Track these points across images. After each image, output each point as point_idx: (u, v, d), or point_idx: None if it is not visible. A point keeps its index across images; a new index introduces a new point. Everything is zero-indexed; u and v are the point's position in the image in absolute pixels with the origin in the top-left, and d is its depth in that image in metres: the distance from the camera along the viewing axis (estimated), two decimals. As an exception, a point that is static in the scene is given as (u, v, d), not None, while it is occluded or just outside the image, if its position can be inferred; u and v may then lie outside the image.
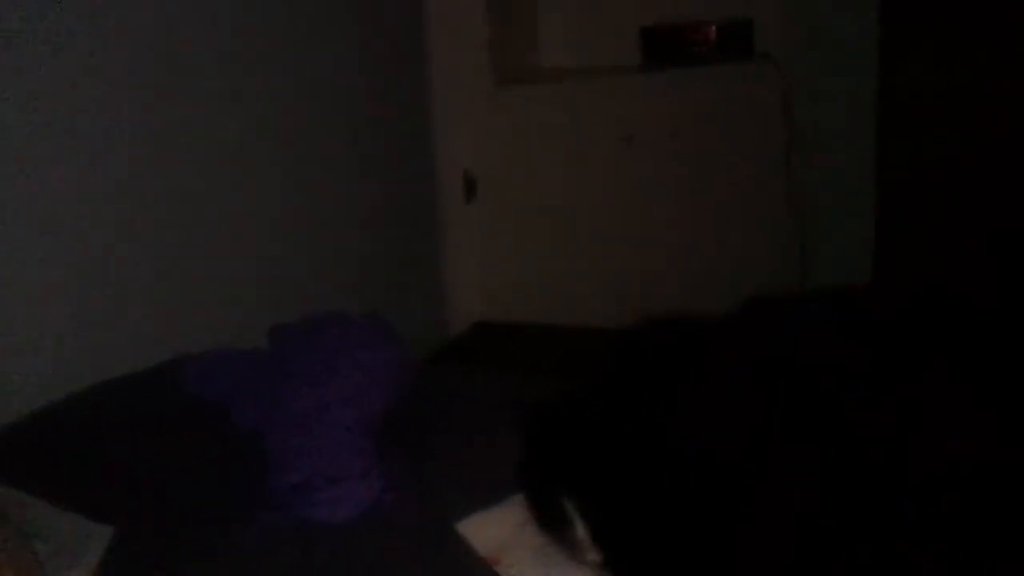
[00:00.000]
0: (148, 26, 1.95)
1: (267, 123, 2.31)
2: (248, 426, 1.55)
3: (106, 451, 1.52)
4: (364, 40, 2.71)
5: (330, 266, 2.56)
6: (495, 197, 3.08)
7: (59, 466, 1.47)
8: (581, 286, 3.05)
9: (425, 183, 3.05)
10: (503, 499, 1.35)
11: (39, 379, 1.69)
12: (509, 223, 3.09)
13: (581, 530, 1.15)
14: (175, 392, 1.68)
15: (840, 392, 1.02)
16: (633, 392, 1.17)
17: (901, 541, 0.94)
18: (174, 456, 1.51)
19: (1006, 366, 1.06)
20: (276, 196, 2.35)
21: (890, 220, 2.99)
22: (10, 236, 1.68)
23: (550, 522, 1.20)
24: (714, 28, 3.17)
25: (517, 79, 3.14)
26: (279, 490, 1.40)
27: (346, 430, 1.48)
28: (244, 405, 1.59)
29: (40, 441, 1.53)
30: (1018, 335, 1.13)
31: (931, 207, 2.93)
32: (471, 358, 2.85)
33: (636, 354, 1.25)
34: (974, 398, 1.01)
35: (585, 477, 1.15)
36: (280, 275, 2.35)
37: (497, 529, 1.31)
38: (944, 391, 1.01)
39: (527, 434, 1.27)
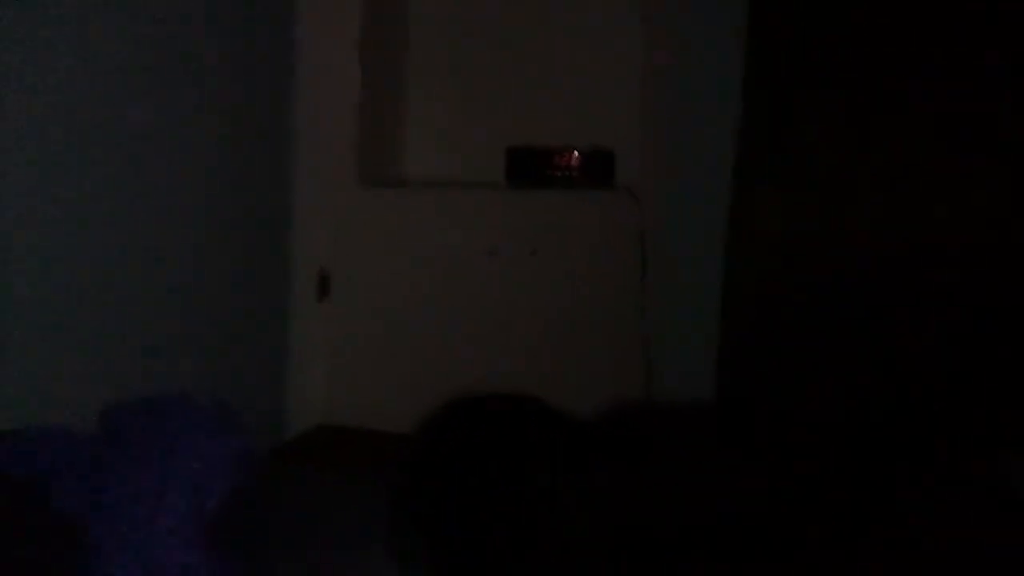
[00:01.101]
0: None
1: (113, 199, 2.22)
2: (67, 512, 1.42)
3: None
4: (226, 129, 2.66)
5: (166, 351, 2.44)
6: (349, 297, 3.03)
7: None
8: (429, 395, 2.99)
9: (278, 276, 2.98)
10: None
11: None
12: (361, 324, 3.04)
13: None
14: (-13, 469, 1.54)
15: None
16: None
17: None
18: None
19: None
20: (116, 271, 2.24)
21: (733, 347, 3.10)
22: None
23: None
24: (577, 155, 3.27)
25: (381, 182, 3.14)
26: (96, 583, 1.29)
27: (176, 520, 1.38)
28: (64, 488, 1.46)
29: None
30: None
31: (774, 335, 3.06)
32: (308, 460, 2.75)
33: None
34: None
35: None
36: (111, 357, 2.22)
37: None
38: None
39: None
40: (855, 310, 3.01)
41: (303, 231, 3.00)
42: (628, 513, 1.05)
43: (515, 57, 3.46)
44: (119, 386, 2.08)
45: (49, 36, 1.99)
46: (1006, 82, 2.85)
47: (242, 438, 1.62)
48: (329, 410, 3.02)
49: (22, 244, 1.94)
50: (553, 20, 3.42)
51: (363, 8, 3.03)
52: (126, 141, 2.25)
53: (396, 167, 3.41)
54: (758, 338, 3.10)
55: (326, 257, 3.02)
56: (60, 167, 2.05)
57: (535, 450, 1.25)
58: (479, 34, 3.46)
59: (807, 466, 1.11)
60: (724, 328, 3.11)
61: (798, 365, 3.03)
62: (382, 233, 3.05)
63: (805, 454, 1.15)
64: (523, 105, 3.45)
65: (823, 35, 3.01)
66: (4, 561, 1.34)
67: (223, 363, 2.68)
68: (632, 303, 3.16)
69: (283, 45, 2.94)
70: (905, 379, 2.97)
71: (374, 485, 1.65)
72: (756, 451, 1.15)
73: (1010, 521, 1.02)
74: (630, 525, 1.03)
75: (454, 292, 3.08)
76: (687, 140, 3.28)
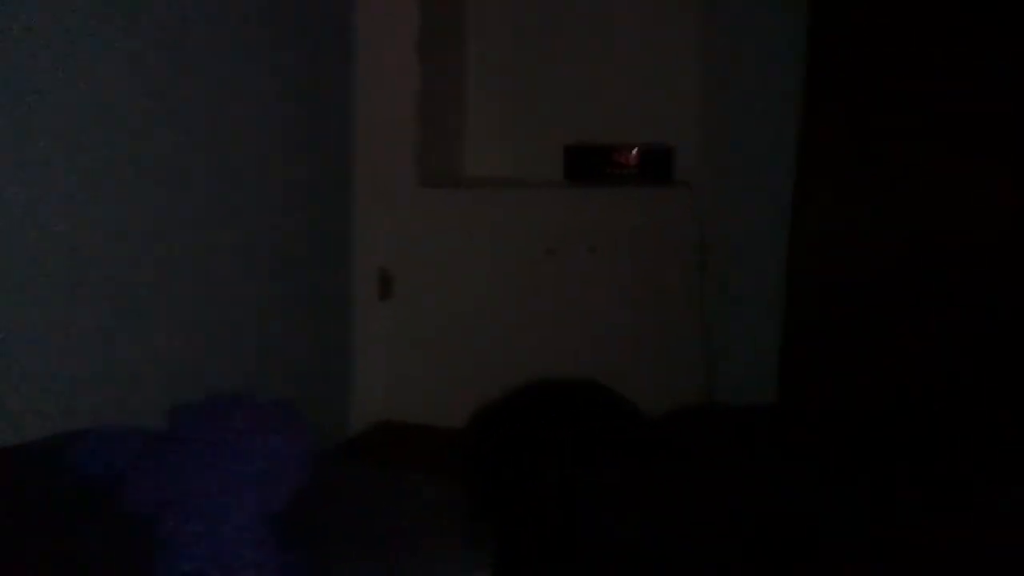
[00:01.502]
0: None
1: (183, 203, 2.28)
2: (142, 507, 1.47)
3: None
4: (289, 132, 2.71)
5: (233, 351, 2.50)
6: (411, 296, 3.07)
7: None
8: (488, 392, 3.02)
9: (341, 276, 3.03)
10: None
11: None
12: (423, 323, 3.08)
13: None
14: (65, 467, 1.59)
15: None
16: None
17: None
18: (58, 536, 1.42)
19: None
20: (183, 274, 2.30)
21: (796, 343, 3.08)
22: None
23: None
24: (636, 152, 3.26)
25: (441, 182, 3.17)
26: (169, 577, 1.33)
27: (246, 518, 1.42)
28: (139, 485, 1.51)
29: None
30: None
31: (836, 331, 3.03)
32: (371, 456, 2.79)
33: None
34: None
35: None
36: (177, 357, 2.27)
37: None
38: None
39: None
40: (915, 308, 2.98)
41: (365, 231, 3.04)
42: (639, 510, 1.07)
43: (573, 55, 3.46)
44: (188, 387, 2.14)
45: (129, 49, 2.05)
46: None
47: (306, 437, 1.65)
48: (392, 407, 3.06)
49: (94, 244, 2.00)
50: (611, 18, 3.42)
51: (421, 9, 3.05)
52: (189, 147, 2.30)
53: (456, 167, 3.44)
54: (821, 335, 3.07)
55: (388, 257, 3.06)
56: (137, 173, 2.11)
57: (549, 446, 1.28)
58: (537, 33, 3.48)
59: (818, 466, 1.12)
60: (787, 325, 3.08)
61: (854, 363, 3.01)
62: (442, 232, 3.08)
63: (816, 454, 1.16)
64: (582, 103, 3.46)
65: (890, 37, 2.97)
66: (81, 556, 1.39)
67: (288, 362, 2.74)
68: (692, 299, 3.15)
69: (343, 47, 2.98)
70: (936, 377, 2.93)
71: (436, 480, 1.68)
72: (768, 451, 1.16)
73: (1011, 522, 1.02)
74: (641, 521, 1.05)
75: (514, 290, 3.10)
76: (745, 136, 3.26)
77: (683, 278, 3.14)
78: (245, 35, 2.49)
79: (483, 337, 3.07)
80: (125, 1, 2.04)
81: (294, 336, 2.78)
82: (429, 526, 1.49)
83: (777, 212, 3.18)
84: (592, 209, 3.18)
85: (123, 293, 2.09)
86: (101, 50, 1.99)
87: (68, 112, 1.91)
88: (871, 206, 3.01)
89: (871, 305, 3.03)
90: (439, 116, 3.23)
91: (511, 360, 3.04)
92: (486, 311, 3.08)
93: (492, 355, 3.06)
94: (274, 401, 1.72)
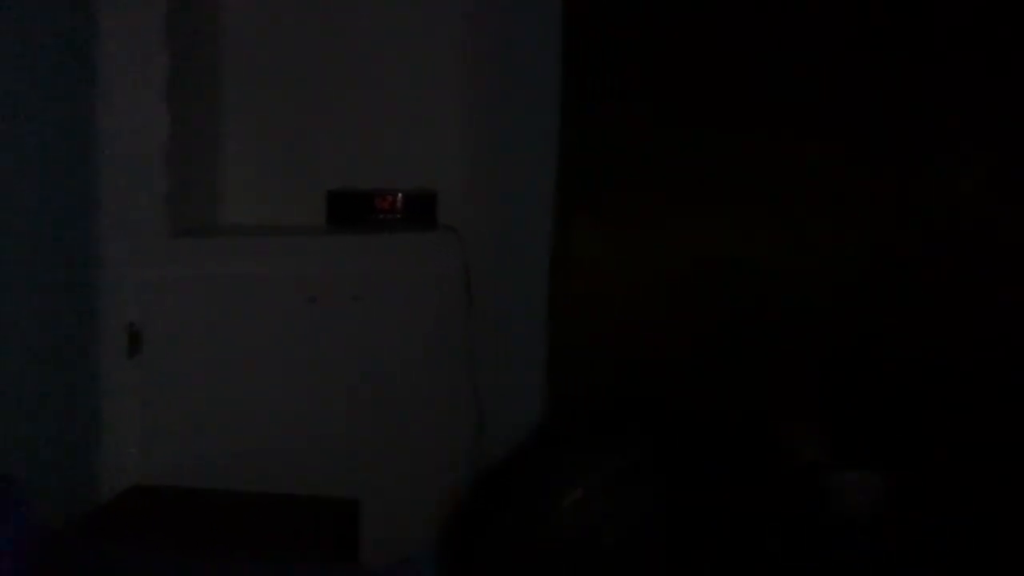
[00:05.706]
0: None
1: None
2: None
3: None
4: (25, 176, 2.52)
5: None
6: (162, 352, 2.90)
7: None
8: (251, 449, 2.91)
9: (85, 333, 2.83)
10: None
11: None
12: (176, 380, 2.91)
13: None
14: None
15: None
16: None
17: None
18: None
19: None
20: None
21: (560, 386, 3.15)
22: None
23: None
24: (400, 197, 3.25)
25: (193, 231, 3.04)
26: None
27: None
28: None
29: None
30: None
31: (598, 373, 3.12)
32: (124, 525, 2.61)
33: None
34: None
35: None
36: None
37: None
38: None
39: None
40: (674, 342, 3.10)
41: (111, 286, 2.86)
42: None
43: (335, 100, 3.41)
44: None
45: None
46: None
47: (29, 520, 1.51)
48: (146, 470, 2.88)
49: None
50: (373, 62, 3.39)
51: (171, 49, 2.91)
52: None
53: (211, 215, 3.30)
54: (585, 376, 3.14)
55: (137, 312, 2.89)
56: None
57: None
58: (296, 77, 3.40)
59: None
60: (551, 368, 3.15)
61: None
62: (196, 284, 2.94)
63: None
64: (345, 148, 3.41)
65: (635, 65, 3.11)
66: None
67: (30, 428, 2.52)
68: (459, 345, 3.15)
69: (84, 90, 2.80)
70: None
71: (188, 548, 1.58)
72: None
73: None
74: None
75: (273, 342, 3.00)
76: (510, 177, 3.32)
77: (450, 323, 3.13)
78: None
79: (242, 392, 2.95)
80: None
81: (36, 401, 2.57)
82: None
83: (543, 253, 3.25)
84: (356, 255, 3.14)
85: None
86: None
87: None
88: (624, 235, 3.12)
89: (634, 342, 3.12)
90: (192, 162, 3.10)
91: (271, 415, 2.95)
92: (244, 364, 2.96)
93: (252, 411, 2.95)
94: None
